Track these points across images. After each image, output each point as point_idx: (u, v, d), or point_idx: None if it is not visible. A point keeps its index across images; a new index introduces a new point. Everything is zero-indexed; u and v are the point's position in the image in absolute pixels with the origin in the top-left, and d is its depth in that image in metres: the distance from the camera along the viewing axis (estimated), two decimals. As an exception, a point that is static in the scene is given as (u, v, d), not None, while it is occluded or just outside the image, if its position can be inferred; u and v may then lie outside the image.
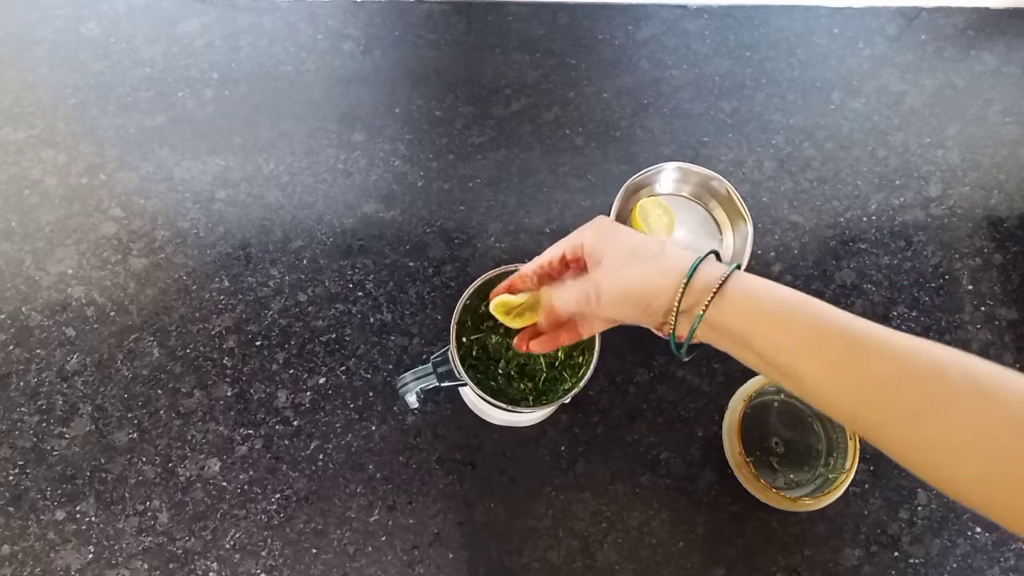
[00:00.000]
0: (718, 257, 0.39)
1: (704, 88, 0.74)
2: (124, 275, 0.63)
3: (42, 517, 0.56)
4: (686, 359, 0.42)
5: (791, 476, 0.59)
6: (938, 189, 0.71)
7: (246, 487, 0.58)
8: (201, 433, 0.59)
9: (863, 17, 0.78)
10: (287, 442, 0.59)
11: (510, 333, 0.54)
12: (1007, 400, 0.30)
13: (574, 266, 0.43)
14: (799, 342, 0.35)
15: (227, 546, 0.56)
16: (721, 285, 0.36)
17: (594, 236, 0.41)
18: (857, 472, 0.57)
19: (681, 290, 0.37)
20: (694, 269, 0.37)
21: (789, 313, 0.35)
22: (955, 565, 0.58)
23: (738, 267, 0.38)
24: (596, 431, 0.61)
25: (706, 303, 0.36)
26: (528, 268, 0.45)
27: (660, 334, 0.40)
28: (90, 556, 0.55)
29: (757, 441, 0.60)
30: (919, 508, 0.60)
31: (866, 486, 0.60)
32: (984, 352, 0.65)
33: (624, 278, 0.39)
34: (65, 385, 0.60)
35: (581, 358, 0.53)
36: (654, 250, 0.39)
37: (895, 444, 0.33)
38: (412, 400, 0.52)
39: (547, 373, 0.53)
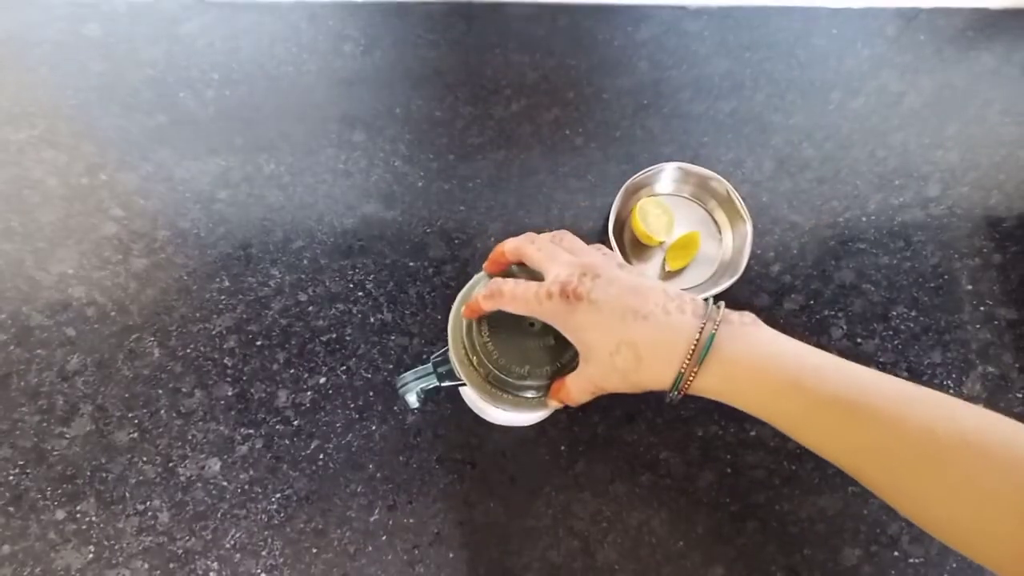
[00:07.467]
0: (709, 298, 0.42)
1: (704, 88, 0.74)
2: (125, 275, 0.63)
3: (42, 517, 0.56)
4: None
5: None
6: (937, 189, 0.71)
7: (246, 487, 0.58)
8: (202, 433, 0.59)
9: (862, 18, 0.78)
10: (287, 442, 0.59)
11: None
12: (991, 447, 0.33)
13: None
14: (795, 418, 0.38)
15: (227, 546, 0.56)
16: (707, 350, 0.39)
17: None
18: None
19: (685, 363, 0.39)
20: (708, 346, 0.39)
21: (781, 391, 0.38)
22: (955, 565, 0.58)
23: (716, 302, 0.41)
24: (596, 431, 0.61)
25: (694, 370, 0.39)
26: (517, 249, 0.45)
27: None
28: (90, 556, 0.55)
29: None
30: (919, 508, 0.60)
31: (866, 486, 0.60)
32: (984, 352, 0.65)
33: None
34: (65, 385, 0.60)
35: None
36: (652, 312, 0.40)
37: (896, 498, 0.37)
38: (412, 400, 0.52)
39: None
